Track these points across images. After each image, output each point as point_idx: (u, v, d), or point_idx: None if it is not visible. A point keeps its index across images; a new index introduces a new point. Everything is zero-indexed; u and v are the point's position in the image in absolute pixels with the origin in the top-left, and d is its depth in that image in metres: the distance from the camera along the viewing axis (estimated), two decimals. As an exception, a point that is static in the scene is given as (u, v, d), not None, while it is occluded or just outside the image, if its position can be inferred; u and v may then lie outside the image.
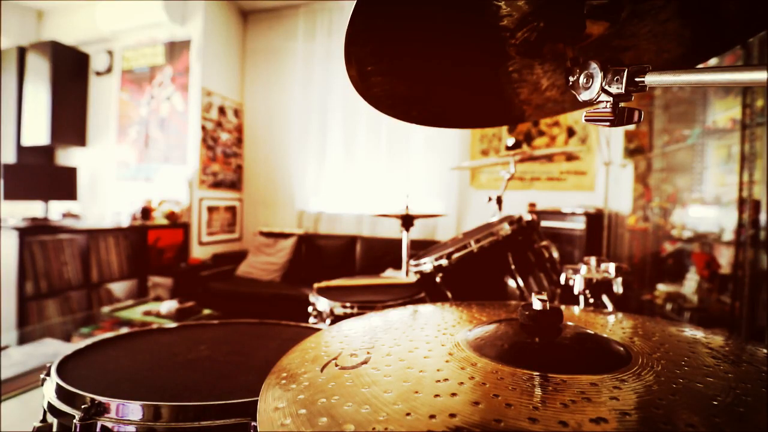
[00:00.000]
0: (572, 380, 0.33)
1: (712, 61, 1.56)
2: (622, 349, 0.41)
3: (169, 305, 2.44)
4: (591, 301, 0.90)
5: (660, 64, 0.54)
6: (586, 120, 0.43)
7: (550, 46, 0.48)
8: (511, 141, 1.60)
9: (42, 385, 0.54)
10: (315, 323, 1.10)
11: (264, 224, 4.05)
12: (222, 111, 3.83)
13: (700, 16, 0.48)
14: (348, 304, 1.05)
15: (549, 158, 3.35)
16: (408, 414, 0.29)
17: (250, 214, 4.23)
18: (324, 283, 1.28)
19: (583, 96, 0.42)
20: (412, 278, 1.23)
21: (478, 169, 3.54)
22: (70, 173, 3.60)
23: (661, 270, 2.65)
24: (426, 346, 0.42)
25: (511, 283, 1.02)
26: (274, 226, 3.98)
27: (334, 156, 3.86)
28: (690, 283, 2.16)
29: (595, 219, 2.82)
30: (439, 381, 0.34)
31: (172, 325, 0.79)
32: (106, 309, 2.61)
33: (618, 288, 0.88)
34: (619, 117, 0.40)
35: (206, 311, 2.58)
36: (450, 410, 0.30)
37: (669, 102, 2.71)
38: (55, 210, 3.56)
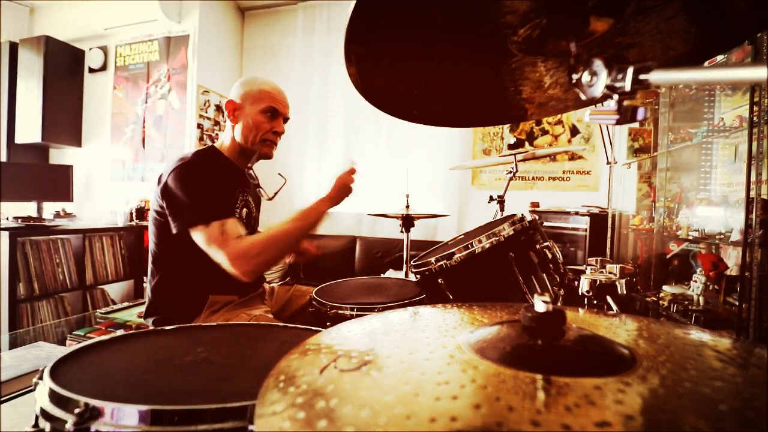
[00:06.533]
0: (576, 383, 0.33)
1: (720, 58, 1.54)
2: (626, 351, 0.40)
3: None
4: (595, 302, 0.89)
5: (666, 61, 0.53)
6: (590, 118, 0.42)
7: (553, 43, 0.48)
8: (513, 140, 1.59)
9: (34, 389, 0.53)
10: (314, 325, 1.10)
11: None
12: (219, 109, 3.80)
13: (706, 12, 0.47)
14: (348, 306, 1.05)
15: (552, 157, 3.33)
16: (408, 417, 0.29)
17: (250, 214, 4.24)
18: (324, 284, 1.28)
19: (587, 94, 0.41)
20: (413, 279, 1.23)
21: (479, 168, 3.53)
22: (65, 172, 3.45)
23: (666, 271, 2.63)
24: (427, 348, 0.42)
25: (514, 284, 1.01)
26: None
27: (334, 155, 3.85)
28: (696, 285, 2.14)
29: (599, 219, 2.80)
30: (440, 384, 0.34)
31: (169, 327, 0.78)
32: (101, 311, 2.59)
33: (622, 289, 0.87)
34: (623, 115, 0.40)
35: (204, 313, 2.56)
36: (451, 413, 0.29)
37: (675, 100, 2.69)
38: (49, 209, 3.43)
